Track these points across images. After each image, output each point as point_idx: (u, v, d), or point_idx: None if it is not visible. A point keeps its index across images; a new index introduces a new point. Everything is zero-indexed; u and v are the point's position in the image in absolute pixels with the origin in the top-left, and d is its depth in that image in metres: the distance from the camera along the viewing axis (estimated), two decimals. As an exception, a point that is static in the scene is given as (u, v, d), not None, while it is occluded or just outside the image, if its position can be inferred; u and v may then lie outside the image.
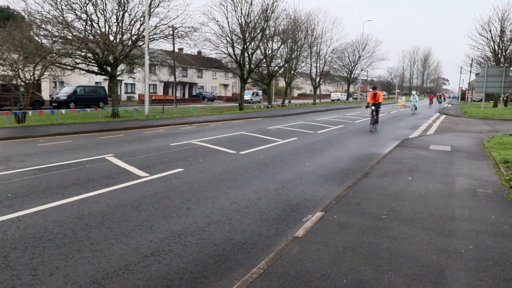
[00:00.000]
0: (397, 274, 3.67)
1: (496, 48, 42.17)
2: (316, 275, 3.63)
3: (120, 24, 22.41)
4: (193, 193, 6.62)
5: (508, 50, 40.86)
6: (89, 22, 21.59)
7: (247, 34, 32.41)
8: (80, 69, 22.32)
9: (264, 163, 9.36)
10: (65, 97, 30.86)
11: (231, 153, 10.75)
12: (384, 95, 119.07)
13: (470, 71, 66.48)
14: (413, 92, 36.13)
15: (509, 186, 6.99)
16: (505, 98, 46.27)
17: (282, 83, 67.73)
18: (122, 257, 4.14)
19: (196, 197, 6.38)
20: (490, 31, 42.02)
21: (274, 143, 12.73)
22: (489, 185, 7.13)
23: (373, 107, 17.53)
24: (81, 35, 20.94)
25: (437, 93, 74.72)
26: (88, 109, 24.49)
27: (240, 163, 9.32)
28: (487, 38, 42.64)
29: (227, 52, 33.55)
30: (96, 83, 45.40)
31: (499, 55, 41.51)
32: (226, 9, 32.12)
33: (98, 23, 21.97)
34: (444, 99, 73.70)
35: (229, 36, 32.44)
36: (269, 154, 10.66)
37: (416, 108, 34.07)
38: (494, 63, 41.23)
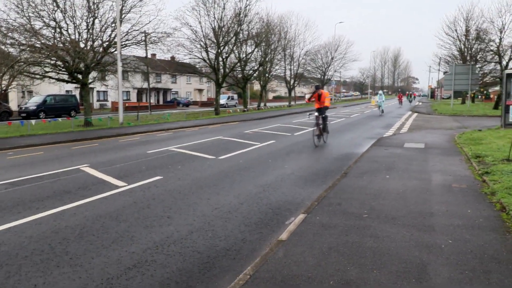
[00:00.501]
0: (382, 272, 3.71)
1: (462, 47, 43.62)
2: (303, 278, 3.63)
3: (90, 31, 21.94)
4: (174, 201, 6.52)
5: (473, 49, 42.34)
6: (58, 30, 21.05)
7: (221, 38, 32.37)
8: (50, 77, 21.71)
9: (244, 167, 9.34)
10: (35, 107, 29.97)
11: (209, 158, 10.68)
12: (356, 95, 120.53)
13: (439, 70, 68.42)
14: (380, 91, 32.81)
15: (481, 181, 7.21)
16: (472, 95, 47.93)
17: (257, 86, 67.94)
18: (104, 271, 4.02)
19: (177, 204, 6.30)
20: (456, 30, 43.46)
21: (253, 147, 12.73)
22: (463, 180, 7.35)
23: (316, 113, 13.07)
24: (50, 43, 20.38)
25: (407, 92, 74.26)
26: (59, 119, 23.83)
27: (219, 168, 9.26)
28: (454, 38, 44.08)
29: (201, 57, 33.41)
30: (67, 91, 44.33)
31: (465, 54, 42.96)
32: (199, 14, 31.97)
33: (67, 30, 21.44)
34: (414, 97, 74.87)
35: (203, 40, 32.33)
36: (248, 158, 10.65)
37: (383, 111, 30.83)
38: (461, 61, 42.63)
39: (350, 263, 3.92)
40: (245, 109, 38.94)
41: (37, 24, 20.48)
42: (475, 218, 5.14)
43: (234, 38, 33.63)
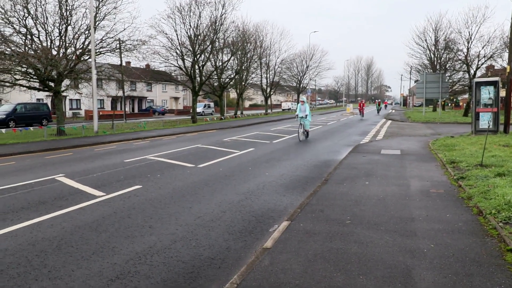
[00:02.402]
0: (368, 278, 3.74)
1: (432, 56, 45.11)
2: (290, 286, 3.62)
3: (63, 38, 21.43)
4: (155, 210, 6.40)
5: (442, 58, 43.84)
6: (29, 36, 20.49)
7: (197, 47, 32.28)
8: (21, 85, 21.01)
9: (225, 175, 9.28)
10: (4, 116, 29.01)
11: (189, 167, 10.56)
12: (331, 103, 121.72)
13: (410, 78, 70.56)
14: (302, 97, 21.30)
15: (457, 186, 7.42)
16: (443, 103, 49.49)
17: (233, 94, 68.01)
18: (85, 283, 3.88)
19: (158, 214, 6.18)
20: (425, 40, 44.96)
21: (232, 155, 12.68)
22: (440, 185, 7.53)
23: None
24: (21, 50, 19.80)
25: (376, 100, 63.76)
26: (31, 128, 23.11)
27: (200, 177, 9.17)
28: (424, 47, 45.56)
29: (177, 65, 33.20)
30: (38, 99, 43.14)
31: (435, 63, 44.41)
32: (175, 22, 31.81)
33: (39, 37, 20.90)
34: (386, 106, 73.67)
35: (179, 48, 32.14)
36: (228, 166, 10.59)
37: (307, 135, 18.33)
38: (431, 70, 44.04)
39: (336, 269, 3.93)
40: (222, 117, 38.87)
41: (7, 31, 19.91)
42: (455, 222, 5.27)
43: (210, 46, 33.63)
